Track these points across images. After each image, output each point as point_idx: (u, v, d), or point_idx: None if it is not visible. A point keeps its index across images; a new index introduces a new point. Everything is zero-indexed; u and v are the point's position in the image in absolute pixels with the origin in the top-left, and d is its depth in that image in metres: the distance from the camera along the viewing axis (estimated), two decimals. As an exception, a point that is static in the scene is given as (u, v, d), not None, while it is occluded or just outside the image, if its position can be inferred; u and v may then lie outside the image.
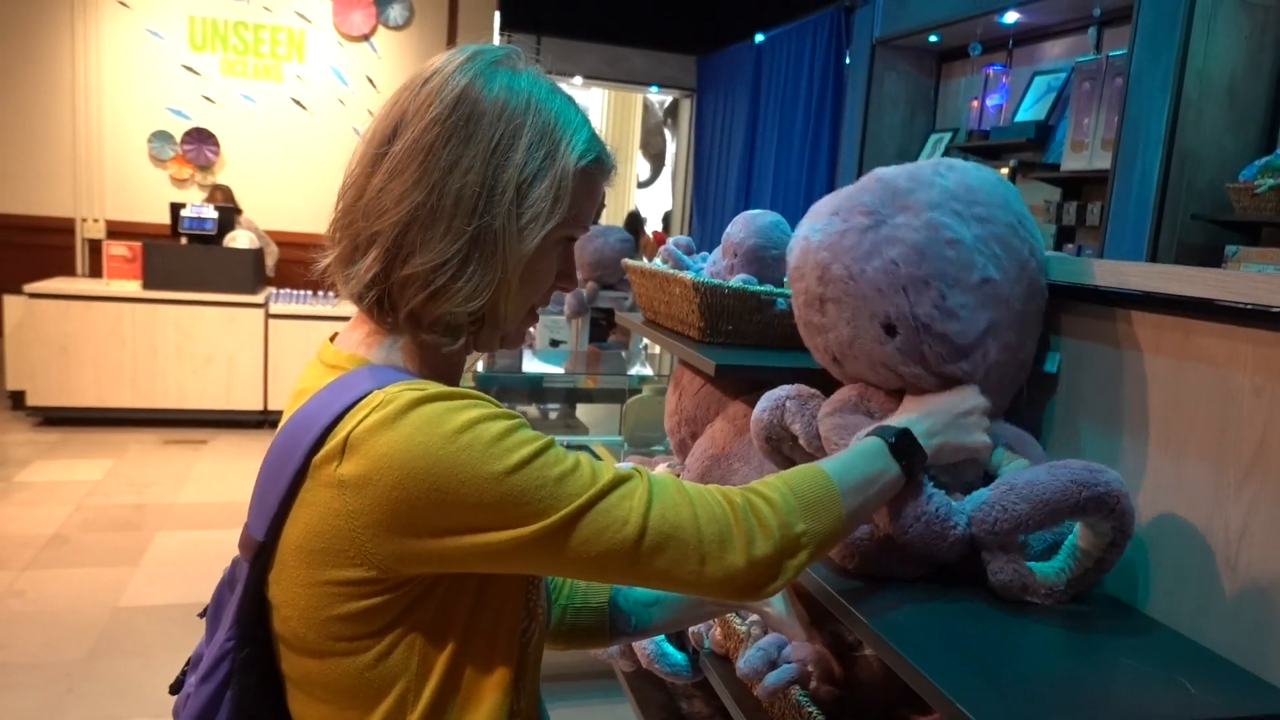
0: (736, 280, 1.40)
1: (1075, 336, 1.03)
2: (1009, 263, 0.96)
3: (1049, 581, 0.91)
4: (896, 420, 0.95)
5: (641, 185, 12.09)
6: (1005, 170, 4.12)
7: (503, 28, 7.08)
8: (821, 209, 1.04)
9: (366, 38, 6.66)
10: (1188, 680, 0.80)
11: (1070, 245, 3.95)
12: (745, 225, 1.42)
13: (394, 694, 0.82)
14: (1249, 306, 0.83)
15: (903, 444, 0.90)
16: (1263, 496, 0.83)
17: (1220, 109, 3.20)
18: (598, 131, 0.91)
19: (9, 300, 5.47)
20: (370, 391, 0.80)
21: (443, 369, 0.90)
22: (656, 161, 11.79)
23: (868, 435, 0.91)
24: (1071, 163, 3.77)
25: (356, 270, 0.86)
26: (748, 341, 1.41)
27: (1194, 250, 3.28)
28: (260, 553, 0.83)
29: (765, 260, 1.41)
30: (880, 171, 1.01)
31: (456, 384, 0.91)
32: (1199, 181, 3.24)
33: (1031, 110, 4.14)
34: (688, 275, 1.42)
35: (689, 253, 1.65)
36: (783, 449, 1.08)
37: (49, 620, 3.20)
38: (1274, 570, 0.82)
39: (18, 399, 5.52)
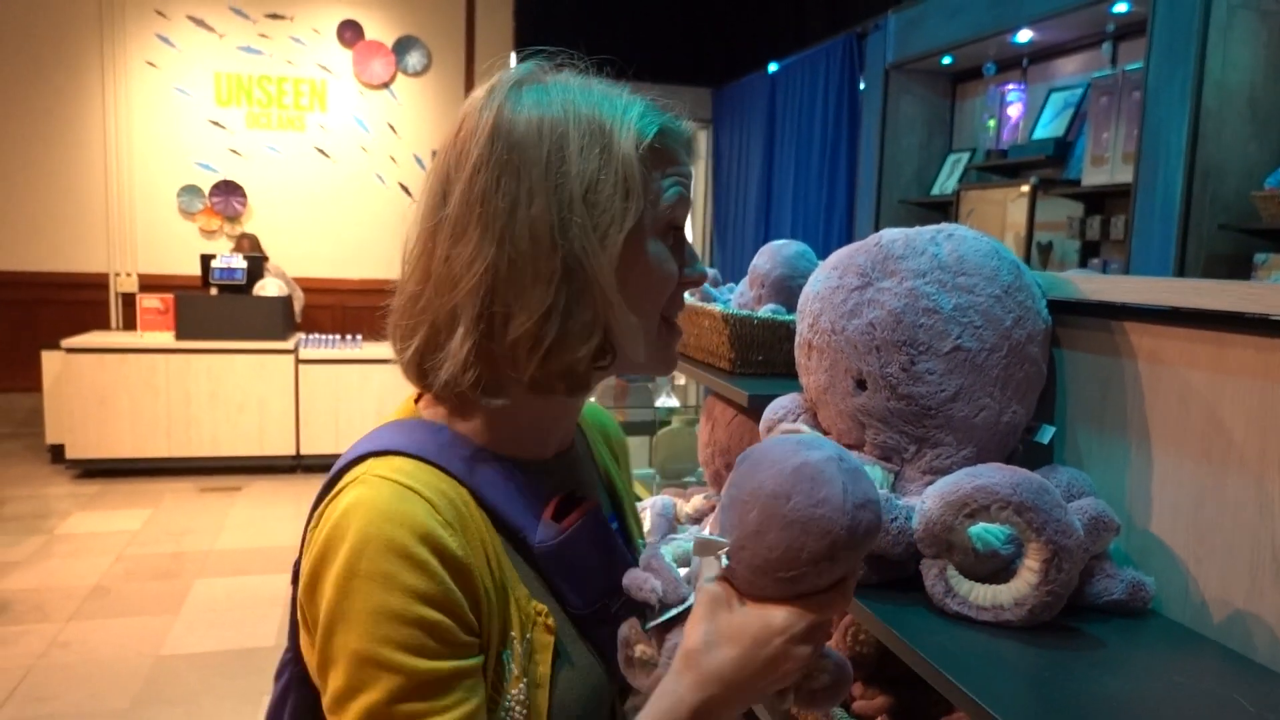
0: (765, 310, 1.41)
1: (1089, 350, 1.04)
2: (988, 332, 0.99)
3: (991, 599, 0.89)
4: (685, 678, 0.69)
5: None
6: (1025, 188, 4.11)
7: (519, 69, 7.19)
8: (830, 261, 1.10)
9: (387, 85, 6.80)
10: (1244, 698, 0.79)
11: (1095, 260, 3.93)
12: (771, 256, 1.43)
13: None
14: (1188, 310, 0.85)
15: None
16: (1229, 488, 0.83)
17: (1242, 118, 3.19)
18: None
19: (47, 356, 5.58)
20: (369, 455, 0.76)
21: (530, 427, 0.83)
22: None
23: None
24: (1092, 178, 3.76)
25: (446, 355, 0.76)
26: (778, 370, 1.42)
27: (1222, 260, 3.26)
28: (297, 573, 0.80)
29: (792, 289, 1.42)
30: (885, 234, 1.06)
31: (544, 438, 0.84)
32: (1224, 191, 3.22)
33: (1050, 127, 4.14)
34: (716, 307, 1.43)
35: (715, 284, 1.67)
36: None
37: (94, 670, 3.24)
38: (1239, 553, 0.82)
39: (58, 452, 5.62)
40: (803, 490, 0.65)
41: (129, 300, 6.35)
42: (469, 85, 6.99)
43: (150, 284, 6.45)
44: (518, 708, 0.75)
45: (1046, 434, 1.05)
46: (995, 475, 0.88)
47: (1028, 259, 4.16)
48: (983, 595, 0.91)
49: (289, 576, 0.82)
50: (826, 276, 1.08)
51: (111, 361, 5.47)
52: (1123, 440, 1.00)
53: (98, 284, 6.54)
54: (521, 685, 0.76)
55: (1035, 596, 0.87)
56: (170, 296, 5.67)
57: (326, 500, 0.76)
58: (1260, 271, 3.19)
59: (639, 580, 0.78)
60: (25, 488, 5.35)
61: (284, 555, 4.35)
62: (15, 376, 6.08)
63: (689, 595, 0.75)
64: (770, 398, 1.28)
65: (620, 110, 0.78)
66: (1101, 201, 3.93)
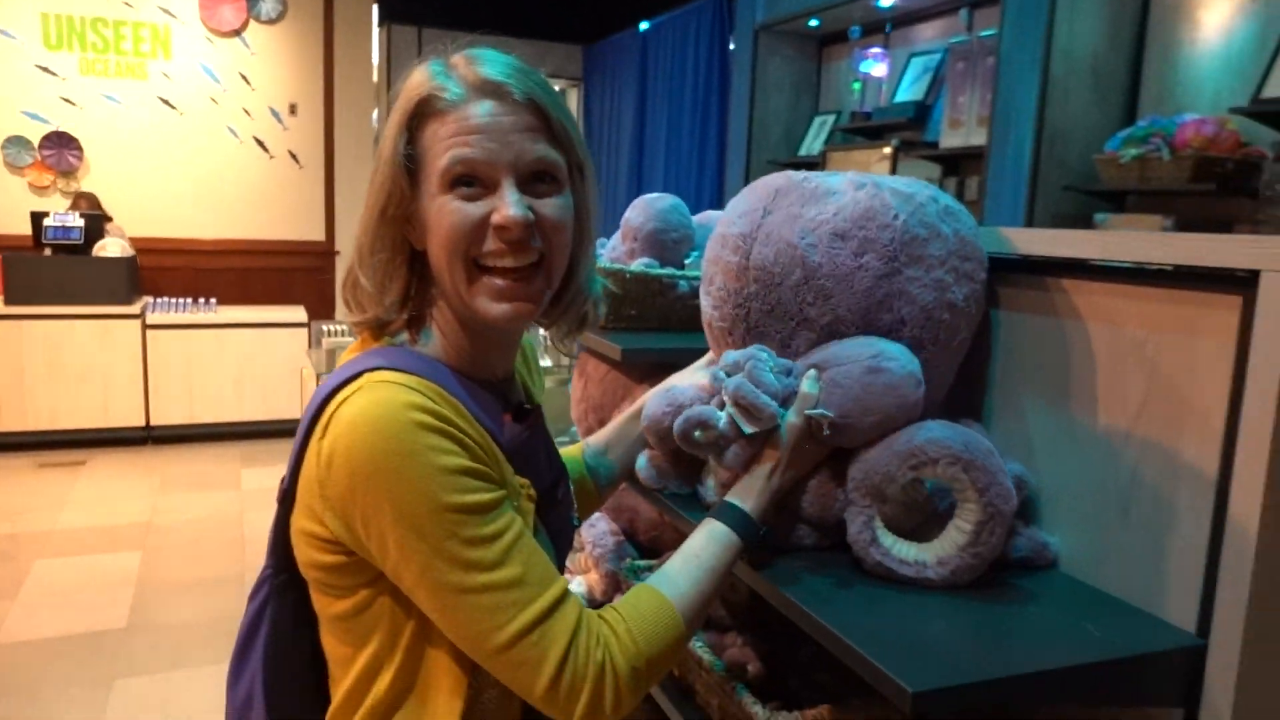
0: (638, 265, 1.39)
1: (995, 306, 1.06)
2: (977, 318, 0.98)
3: (914, 554, 0.89)
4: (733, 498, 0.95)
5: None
6: (888, 150, 4.24)
7: (381, 20, 6.89)
8: (812, 219, 0.94)
9: (238, 33, 6.38)
10: (1091, 624, 0.83)
11: (953, 220, 4.10)
12: (644, 209, 1.41)
13: (374, 644, 0.90)
14: (1129, 265, 0.87)
15: (744, 527, 0.93)
16: (1149, 445, 0.87)
17: (1085, 85, 3.36)
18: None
19: None
20: (363, 372, 0.86)
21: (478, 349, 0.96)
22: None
23: (711, 518, 0.94)
24: (950, 140, 3.91)
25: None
26: (651, 325, 1.41)
27: (1066, 220, 3.45)
28: (286, 495, 0.92)
29: (665, 243, 1.40)
30: (890, 199, 0.93)
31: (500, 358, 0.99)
32: (1068, 155, 3.40)
33: (910, 91, 4.27)
34: (588, 261, 1.40)
35: (588, 239, 1.63)
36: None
37: (-82, 664, 2.98)
38: (1163, 514, 0.86)
39: None
40: (903, 419, 0.90)
41: (-52, 262, 5.80)
42: (328, 34, 6.64)
43: (-26, 244, 5.90)
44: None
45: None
46: (945, 431, 0.87)
47: (890, 219, 4.30)
48: (906, 550, 0.89)
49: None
50: (831, 244, 0.92)
51: (-71, 329, 4.99)
52: (1033, 397, 1.02)
53: (-90, 244, 5.93)
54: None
55: (961, 558, 0.86)
56: (-3, 258, 5.20)
57: (328, 415, 0.85)
58: (1100, 230, 3.40)
59: (758, 401, 0.92)
60: None
61: (135, 531, 4.09)
62: None
63: (781, 419, 0.94)
64: (644, 351, 1.27)
65: (409, 79, 0.91)
66: (958, 163, 4.09)
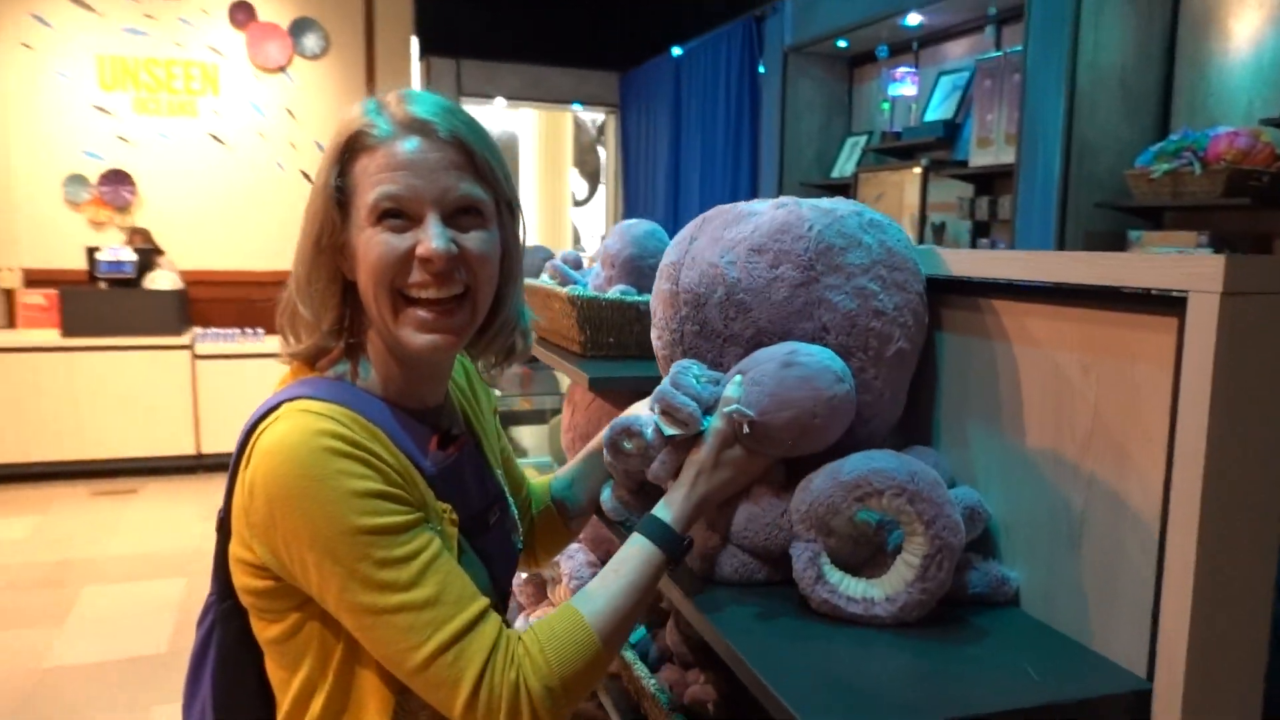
0: (614, 292, 1.39)
1: (952, 330, 1.03)
2: (916, 331, 0.95)
3: (862, 591, 0.86)
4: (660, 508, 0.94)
5: (579, 203, 12.08)
6: (918, 170, 4.18)
7: (421, 54, 7.04)
8: (732, 239, 0.95)
9: (283, 69, 6.58)
10: (1032, 666, 0.80)
11: (985, 240, 4.03)
12: (621, 236, 1.41)
13: (306, 667, 0.92)
14: (1053, 285, 0.84)
15: (663, 538, 0.91)
16: (1098, 475, 0.84)
17: (1114, 99, 3.29)
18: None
19: (-79, 357, 5.27)
20: (282, 402, 0.89)
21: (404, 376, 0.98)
22: (593, 179, 11.79)
23: (635, 530, 0.93)
24: (979, 159, 3.85)
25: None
26: (630, 353, 1.40)
27: (1100, 238, 3.36)
28: (223, 523, 0.95)
29: (642, 270, 1.40)
30: (808, 214, 0.93)
31: (433, 388, 1.01)
32: (1099, 170, 3.32)
33: (940, 109, 4.22)
34: (564, 290, 1.41)
35: (577, 267, 1.64)
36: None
37: (-33, 687, 3.08)
38: (1112, 548, 0.83)
39: (-64, 459, 5.32)
40: (823, 415, 0.88)
41: (13, 297, 6.04)
42: (370, 68, 6.80)
43: (38, 279, 6.13)
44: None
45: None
46: (891, 461, 0.85)
47: (921, 239, 4.24)
48: (854, 587, 0.87)
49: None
50: (749, 260, 0.92)
51: (-10, 361, 5.19)
52: (985, 423, 0.99)
53: (-23, 281, 6.20)
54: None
55: (909, 594, 0.84)
56: (54, 292, 5.40)
57: (251, 444, 0.89)
58: (1134, 248, 3.31)
59: (675, 401, 0.93)
60: (-100, 497, 5.06)
61: (182, 558, 4.18)
62: (-111, 380, 5.71)
63: (705, 425, 0.94)
64: (616, 380, 1.27)
65: (346, 115, 0.93)
66: (990, 182, 4.03)
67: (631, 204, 7.43)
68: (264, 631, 0.94)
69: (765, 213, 0.95)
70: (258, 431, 0.89)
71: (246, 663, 0.98)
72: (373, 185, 0.89)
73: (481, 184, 0.93)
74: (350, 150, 0.91)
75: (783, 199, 0.96)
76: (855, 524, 0.89)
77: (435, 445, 0.99)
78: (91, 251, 5.41)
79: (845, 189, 4.87)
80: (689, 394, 0.93)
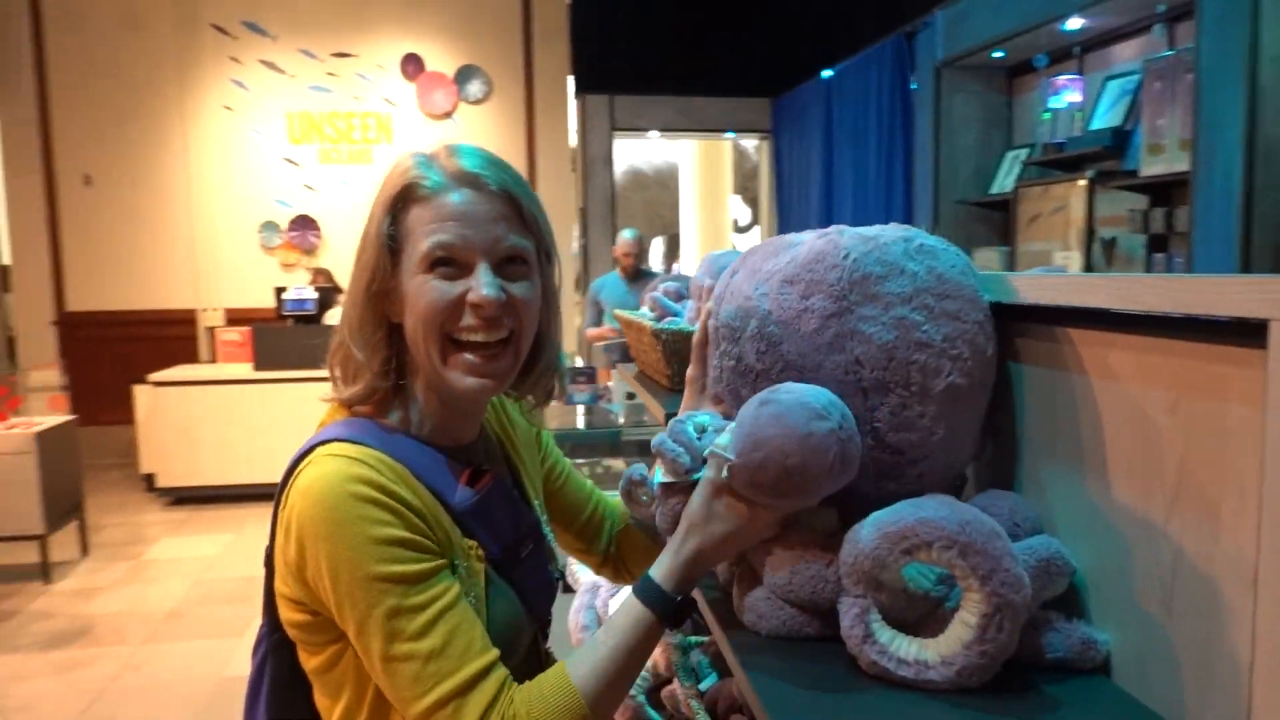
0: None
1: (1031, 362, 0.94)
2: (975, 364, 0.86)
3: (915, 652, 0.78)
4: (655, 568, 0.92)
5: (741, 230, 12.07)
6: (1083, 182, 3.91)
7: (577, 92, 7.26)
8: (768, 271, 0.91)
9: (449, 115, 6.96)
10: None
11: (1160, 255, 3.70)
12: (707, 267, 1.38)
13: (345, 697, 0.96)
14: (1160, 315, 0.74)
15: (653, 597, 0.90)
16: (1186, 530, 0.74)
17: (1304, 95, 2.96)
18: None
19: (138, 390, 5.89)
20: (318, 444, 0.93)
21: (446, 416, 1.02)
22: (755, 206, 11.76)
23: (631, 597, 0.92)
24: (1150, 168, 3.55)
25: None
26: (719, 387, 1.37)
27: (1293, 250, 3.02)
28: (269, 558, 0.99)
29: (731, 303, 1.36)
30: (846, 241, 0.88)
31: (468, 429, 1.04)
32: (1289, 174, 2.99)
33: (1106, 117, 3.93)
34: (649, 323, 1.39)
35: (677, 299, 1.62)
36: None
37: (158, 692, 3.37)
38: (1206, 615, 0.72)
39: (150, 481, 5.91)
40: (797, 455, 0.80)
41: (214, 334, 6.66)
42: (530, 109, 7.09)
43: (236, 318, 6.74)
44: (474, 604, 0.95)
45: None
46: (941, 510, 0.77)
47: (1089, 257, 3.95)
48: (906, 648, 0.79)
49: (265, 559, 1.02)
50: (780, 292, 0.89)
51: (194, 393, 5.73)
52: (1067, 467, 0.89)
53: (187, 320, 6.88)
54: (469, 598, 0.94)
55: (967, 657, 0.75)
56: (248, 329, 5.91)
57: (288, 486, 0.93)
58: (1336, 259, 2.95)
59: (671, 450, 0.91)
60: (120, 515, 5.64)
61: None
62: (116, 410, 6.40)
63: (698, 474, 0.91)
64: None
65: (394, 166, 0.98)
66: (1167, 192, 3.70)
67: (785, 229, 7.34)
68: (308, 662, 0.98)
69: (805, 243, 0.90)
70: (296, 472, 0.93)
71: (298, 691, 1.01)
72: (426, 234, 0.93)
73: (527, 234, 0.97)
74: (403, 200, 0.95)
75: (829, 229, 0.91)
76: (907, 579, 0.82)
77: (465, 480, 1.01)
78: (279, 291, 5.89)
79: (1004, 205, 4.62)
80: (683, 442, 0.91)
